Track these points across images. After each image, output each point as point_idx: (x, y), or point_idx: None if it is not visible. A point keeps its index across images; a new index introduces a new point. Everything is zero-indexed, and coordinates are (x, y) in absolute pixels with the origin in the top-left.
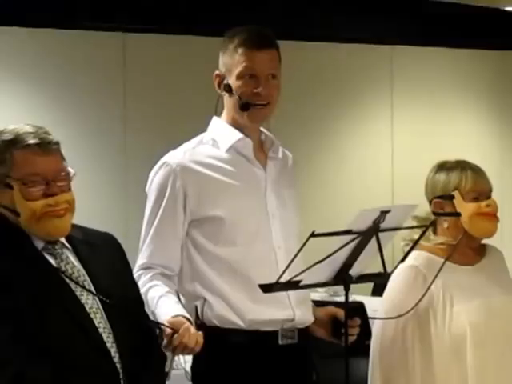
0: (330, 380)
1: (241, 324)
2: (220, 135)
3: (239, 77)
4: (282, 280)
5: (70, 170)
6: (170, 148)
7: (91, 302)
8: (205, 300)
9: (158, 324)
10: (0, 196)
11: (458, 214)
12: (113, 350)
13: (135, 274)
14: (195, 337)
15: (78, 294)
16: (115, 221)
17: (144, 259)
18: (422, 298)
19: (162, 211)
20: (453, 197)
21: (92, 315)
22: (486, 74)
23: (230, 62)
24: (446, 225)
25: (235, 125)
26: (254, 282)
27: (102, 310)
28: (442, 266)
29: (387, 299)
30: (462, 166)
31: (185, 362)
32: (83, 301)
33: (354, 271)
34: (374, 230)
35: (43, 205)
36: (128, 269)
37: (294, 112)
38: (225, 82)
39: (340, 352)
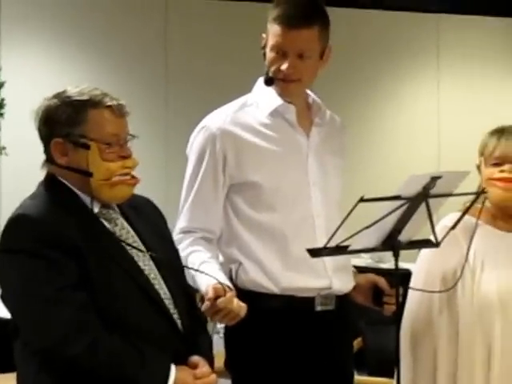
0: (378, 346)
1: (275, 290)
2: (263, 99)
3: (271, 49)
4: (330, 245)
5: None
6: (212, 110)
7: (148, 268)
8: (240, 264)
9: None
10: (69, 157)
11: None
12: (175, 316)
13: (175, 237)
14: (239, 307)
15: (135, 258)
16: (155, 185)
17: (185, 222)
18: (465, 264)
19: (202, 174)
20: (479, 163)
21: (151, 280)
22: None
23: (268, 29)
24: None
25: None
26: (291, 249)
27: (158, 275)
28: (475, 229)
29: (419, 259)
30: (496, 130)
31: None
32: (142, 266)
33: (403, 237)
34: (423, 196)
35: (120, 166)
36: (169, 234)
37: (339, 79)
38: (263, 49)
39: (387, 319)
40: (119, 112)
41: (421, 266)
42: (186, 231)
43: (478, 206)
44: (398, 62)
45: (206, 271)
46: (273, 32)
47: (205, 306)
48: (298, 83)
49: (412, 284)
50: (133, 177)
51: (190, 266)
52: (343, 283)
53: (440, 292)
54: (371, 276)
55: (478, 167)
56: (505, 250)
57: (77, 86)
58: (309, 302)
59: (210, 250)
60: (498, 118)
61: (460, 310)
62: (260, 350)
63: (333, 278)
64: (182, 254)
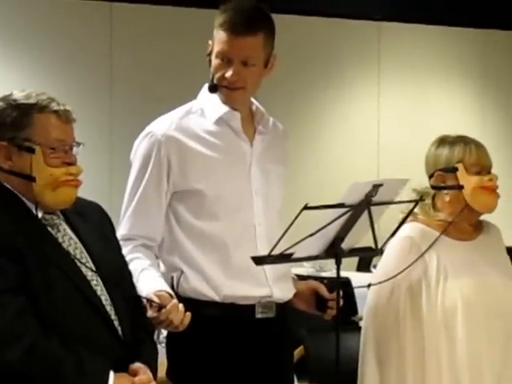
0: (320, 354)
1: (216, 298)
2: (208, 106)
3: (216, 56)
4: (274, 253)
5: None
6: (156, 114)
7: (90, 274)
8: (181, 272)
9: (147, 299)
10: (13, 161)
11: (460, 187)
12: (116, 322)
13: None
14: (181, 315)
15: (77, 264)
16: (99, 192)
17: (125, 230)
18: (414, 262)
19: (146, 181)
20: (456, 169)
21: (93, 287)
22: (472, 52)
23: (214, 36)
24: (447, 198)
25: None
26: (232, 258)
27: (100, 282)
28: (437, 238)
29: (381, 269)
30: (464, 140)
31: None
32: (84, 272)
33: (346, 245)
34: (366, 204)
35: (64, 172)
36: (116, 240)
37: (281, 86)
38: (209, 56)
39: (329, 326)
40: (65, 118)
41: (384, 273)
42: (126, 238)
43: (436, 218)
44: (340, 69)
45: (146, 278)
46: (218, 39)
47: (148, 316)
48: (242, 91)
49: (376, 290)
50: (76, 179)
51: (131, 272)
52: (283, 292)
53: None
54: (312, 283)
55: (439, 176)
56: (462, 259)
57: (23, 90)
58: (249, 309)
59: (149, 258)
60: (438, 127)
61: (425, 318)
62: (201, 358)
63: (273, 287)
64: None
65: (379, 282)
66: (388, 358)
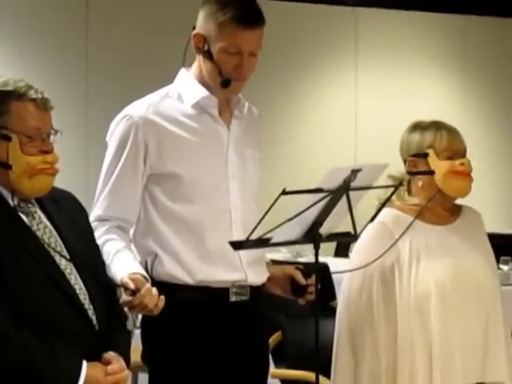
0: (297, 339)
1: (190, 282)
2: (186, 90)
3: (223, 51)
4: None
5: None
6: (132, 99)
7: (64, 262)
8: (156, 256)
9: (121, 285)
10: None
11: (431, 172)
12: (90, 312)
13: None
14: (155, 299)
15: (51, 253)
16: (76, 179)
17: (100, 211)
18: (388, 250)
19: (123, 163)
20: (427, 155)
21: (67, 276)
22: (450, 38)
23: (217, 31)
24: (420, 183)
25: (203, 82)
26: (207, 242)
27: (74, 270)
28: (411, 224)
29: (354, 254)
30: (437, 125)
31: None
32: (57, 261)
33: (324, 230)
34: (344, 189)
35: (40, 161)
36: (90, 228)
37: (257, 71)
38: (205, 47)
39: (307, 312)
40: (43, 106)
41: (358, 260)
42: (101, 219)
43: (410, 203)
44: (317, 55)
45: (121, 260)
46: (227, 34)
47: (123, 300)
48: (245, 82)
49: (349, 277)
50: (52, 167)
51: (104, 254)
52: (258, 276)
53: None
54: (287, 269)
55: (412, 161)
56: (435, 242)
57: (1, 77)
58: (223, 292)
59: (124, 239)
60: (415, 112)
61: (398, 301)
62: (175, 342)
63: (248, 271)
64: (98, 242)
65: (354, 269)
66: (362, 345)
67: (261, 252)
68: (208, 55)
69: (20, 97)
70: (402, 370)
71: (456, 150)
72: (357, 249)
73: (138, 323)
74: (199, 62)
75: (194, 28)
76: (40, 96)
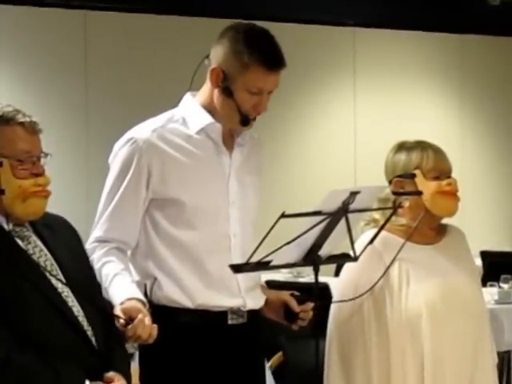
0: (299, 360)
1: (189, 305)
2: (191, 116)
3: (246, 90)
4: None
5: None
6: (132, 120)
7: (61, 286)
8: (155, 279)
9: (113, 315)
10: None
11: (419, 193)
12: (89, 333)
13: (89, 246)
14: (149, 329)
15: (48, 277)
16: (76, 198)
17: (101, 232)
18: (380, 279)
19: (125, 187)
20: (414, 175)
21: (64, 298)
22: (447, 58)
23: (241, 71)
24: (407, 204)
25: (210, 110)
26: (207, 267)
27: (71, 293)
28: (402, 246)
29: (343, 277)
30: (422, 145)
31: None
32: (54, 285)
33: (323, 252)
34: (343, 211)
35: (32, 184)
36: (84, 252)
37: None
38: (225, 84)
39: (307, 333)
40: (32, 129)
41: (348, 280)
42: (101, 240)
43: (397, 223)
44: (315, 75)
45: (118, 284)
46: (252, 75)
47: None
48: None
49: (338, 297)
50: (45, 190)
51: (103, 277)
52: (255, 301)
53: (346, 301)
54: (282, 295)
55: (399, 182)
56: (423, 262)
57: None
58: (221, 315)
59: (123, 262)
60: (414, 132)
61: (389, 323)
62: (173, 364)
63: (246, 298)
64: (96, 264)
65: (347, 300)
66: (353, 370)
67: (257, 277)
68: (227, 92)
69: (8, 121)
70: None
71: (442, 169)
72: (346, 270)
73: (136, 344)
74: (211, 93)
75: (207, 57)
76: (28, 119)
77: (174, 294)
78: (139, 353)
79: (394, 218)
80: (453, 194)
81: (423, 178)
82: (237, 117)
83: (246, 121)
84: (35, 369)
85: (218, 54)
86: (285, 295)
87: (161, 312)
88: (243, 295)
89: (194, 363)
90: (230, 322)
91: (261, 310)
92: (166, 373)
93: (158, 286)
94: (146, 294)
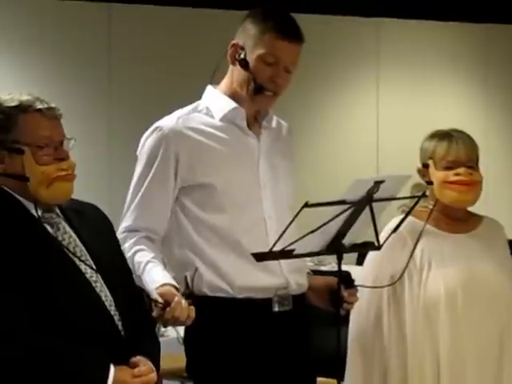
0: (320, 347)
1: (230, 291)
2: (214, 104)
3: (261, 59)
4: (276, 249)
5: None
6: (154, 121)
7: (90, 271)
8: (196, 269)
9: (150, 298)
10: (6, 163)
11: (430, 183)
12: (116, 318)
13: (120, 236)
14: (187, 311)
15: (77, 262)
16: (99, 188)
17: (130, 221)
18: (405, 268)
19: (153, 175)
20: (428, 165)
21: (93, 284)
22: (472, 47)
23: (256, 38)
24: (427, 192)
25: (231, 95)
26: (244, 249)
27: (100, 279)
28: (422, 229)
29: (367, 262)
30: (443, 134)
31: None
32: (83, 270)
33: (347, 241)
34: (367, 200)
35: (56, 169)
36: (116, 238)
37: None
38: (241, 55)
39: (329, 321)
40: (51, 114)
41: (370, 268)
42: (130, 230)
43: (421, 209)
44: (338, 65)
45: (151, 271)
46: (267, 42)
47: (155, 314)
48: (276, 97)
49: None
50: (69, 173)
51: (135, 265)
52: (299, 283)
53: (382, 287)
54: (329, 280)
55: (420, 170)
56: (449, 250)
57: (9, 93)
58: (266, 302)
59: (153, 250)
60: (438, 123)
61: (407, 309)
62: (220, 354)
63: (289, 278)
64: (128, 253)
65: (370, 286)
66: (372, 354)
67: (301, 261)
68: (244, 63)
69: (26, 109)
70: (412, 381)
71: (454, 160)
72: (369, 257)
73: (181, 340)
74: (231, 74)
75: (225, 54)
76: (46, 106)
77: (213, 280)
78: (184, 343)
79: (422, 202)
80: (461, 184)
81: (434, 168)
82: (252, 87)
83: (258, 89)
84: (60, 349)
85: (237, 33)
86: (331, 280)
87: (204, 303)
88: (286, 275)
89: (241, 353)
90: (275, 309)
91: (306, 296)
92: (212, 363)
93: (198, 274)
94: (187, 286)
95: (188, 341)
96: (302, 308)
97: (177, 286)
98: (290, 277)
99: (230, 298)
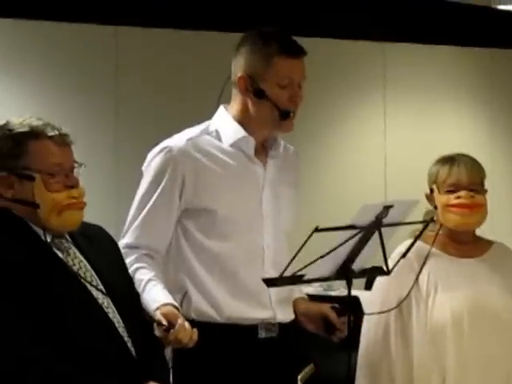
0: (330, 373)
1: (218, 318)
2: (224, 129)
3: (277, 85)
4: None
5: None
6: (161, 139)
7: (102, 296)
8: (185, 292)
9: (155, 320)
10: (16, 189)
11: (435, 207)
12: (129, 344)
13: None
14: (190, 333)
15: (88, 287)
16: (106, 211)
17: (132, 239)
18: (410, 290)
19: (158, 195)
20: (432, 190)
21: (105, 309)
22: (477, 72)
23: (265, 67)
24: (435, 217)
25: (242, 122)
26: (239, 281)
27: (111, 304)
28: (428, 253)
29: (375, 287)
30: (446, 158)
31: None
32: (95, 295)
33: (356, 266)
34: (376, 225)
35: (67, 196)
36: (123, 261)
37: None
38: (255, 87)
39: (339, 346)
40: (62, 141)
41: (377, 293)
42: (131, 246)
43: (430, 233)
44: (345, 90)
45: (152, 290)
46: (279, 67)
47: (159, 335)
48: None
49: (368, 311)
50: (80, 202)
51: (136, 282)
52: (286, 314)
53: (388, 311)
54: (323, 308)
55: (428, 196)
56: (456, 275)
57: (20, 117)
58: (252, 329)
59: (153, 268)
60: (444, 147)
61: (414, 333)
62: (206, 379)
63: (276, 310)
64: (129, 270)
65: (376, 313)
66: (379, 377)
67: (289, 291)
68: (259, 94)
69: (37, 136)
70: None
71: (455, 183)
72: (378, 283)
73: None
74: (243, 104)
75: (229, 77)
76: (57, 132)
77: (202, 307)
78: (172, 367)
79: (432, 227)
80: (462, 207)
81: (438, 192)
82: (276, 114)
83: (285, 114)
84: (75, 379)
85: (239, 64)
86: (325, 307)
87: (191, 326)
88: (274, 307)
89: (227, 379)
90: (261, 335)
91: (299, 323)
92: None
93: (187, 299)
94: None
95: (174, 365)
96: (288, 335)
97: (177, 306)
98: (278, 308)
99: (216, 323)
